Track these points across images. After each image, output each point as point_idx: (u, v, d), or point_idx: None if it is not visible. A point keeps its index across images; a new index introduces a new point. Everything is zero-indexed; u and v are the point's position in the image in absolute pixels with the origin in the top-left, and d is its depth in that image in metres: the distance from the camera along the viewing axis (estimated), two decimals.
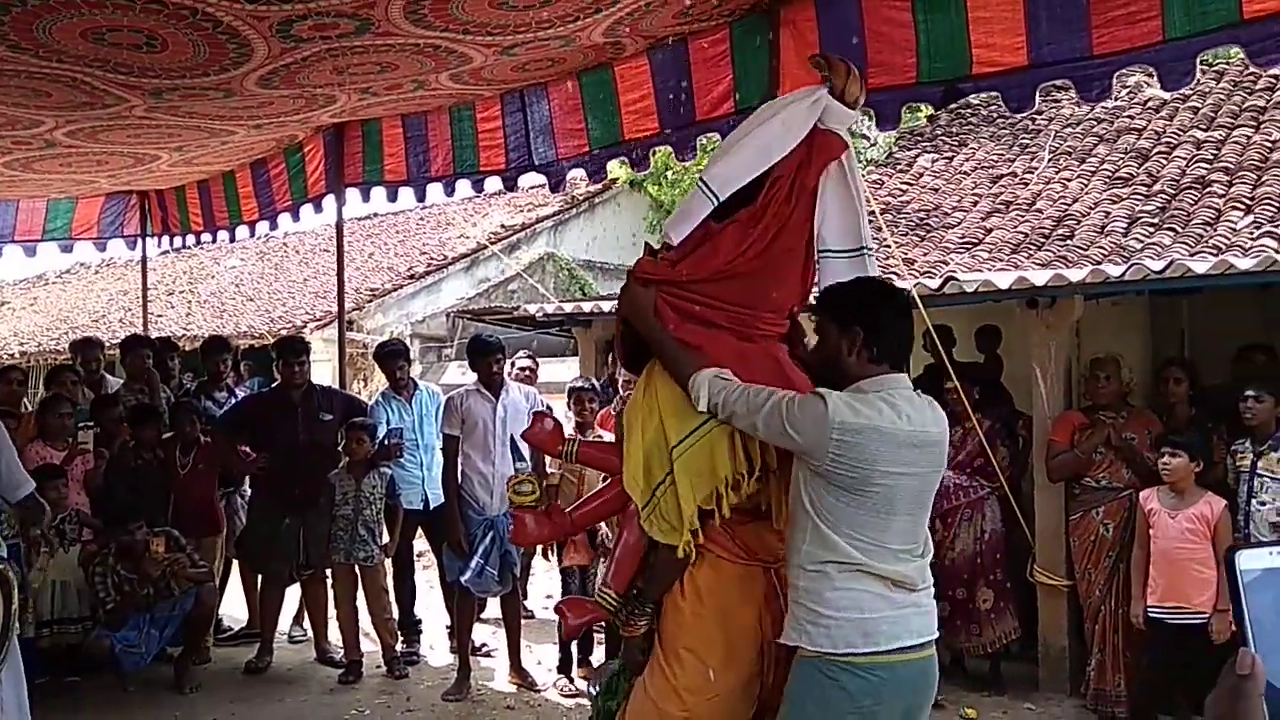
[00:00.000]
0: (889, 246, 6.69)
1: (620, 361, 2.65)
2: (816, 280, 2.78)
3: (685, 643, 2.61)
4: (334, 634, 5.77)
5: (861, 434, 2.29)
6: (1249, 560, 1.10)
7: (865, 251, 2.76)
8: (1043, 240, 6.85)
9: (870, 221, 8.47)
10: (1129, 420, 4.87)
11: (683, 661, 2.60)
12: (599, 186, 13.68)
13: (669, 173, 14.50)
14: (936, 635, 2.43)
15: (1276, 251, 5.18)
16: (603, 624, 5.81)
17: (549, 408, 5.38)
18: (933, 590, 2.43)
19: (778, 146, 2.63)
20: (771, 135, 2.64)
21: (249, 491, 6.13)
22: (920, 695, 2.43)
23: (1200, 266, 4.96)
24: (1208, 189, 6.85)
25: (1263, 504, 4.34)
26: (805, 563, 2.36)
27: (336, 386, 6.72)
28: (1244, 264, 4.92)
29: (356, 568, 5.49)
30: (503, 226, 14.47)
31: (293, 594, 6.01)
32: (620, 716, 2.71)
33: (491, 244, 13.41)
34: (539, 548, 6.08)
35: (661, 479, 2.55)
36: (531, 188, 11.85)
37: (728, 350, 2.61)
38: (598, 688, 2.89)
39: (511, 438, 5.16)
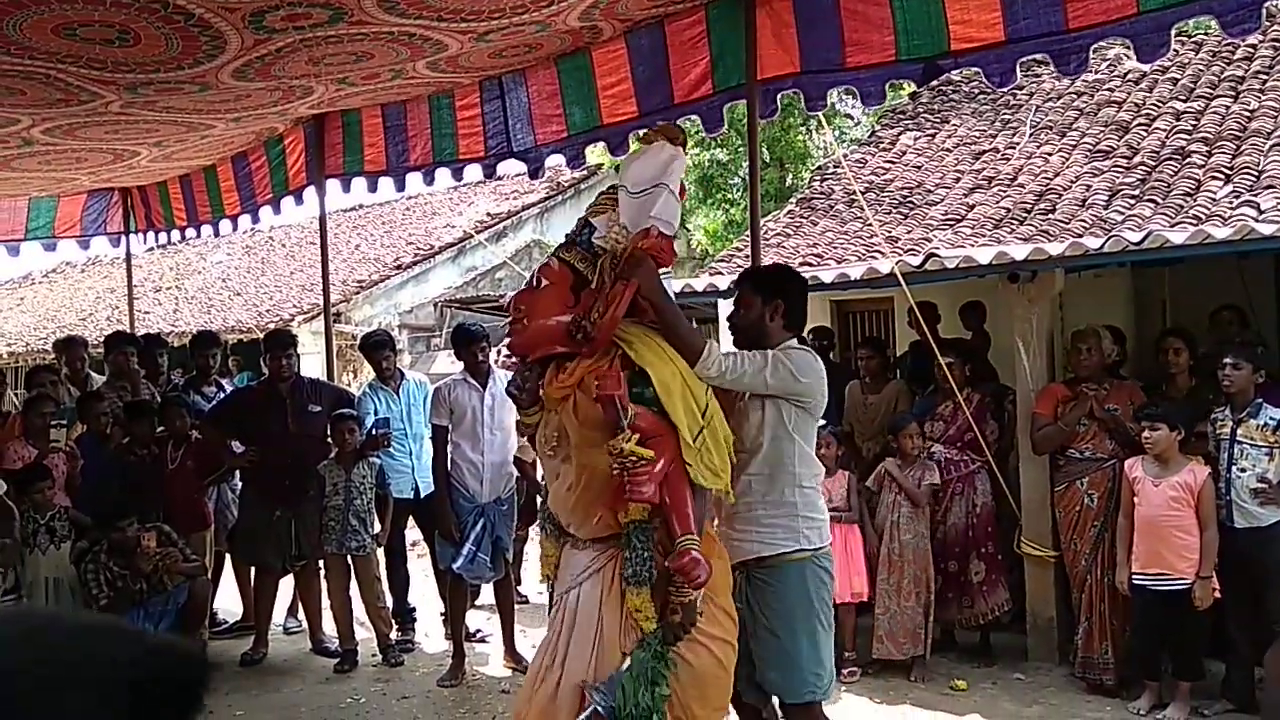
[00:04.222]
0: (872, 225, 6.71)
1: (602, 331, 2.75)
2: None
3: (723, 599, 2.81)
4: (328, 624, 5.79)
5: (822, 376, 3.07)
6: None
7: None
8: (1025, 215, 6.87)
9: (853, 201, 8.42)
10: (1111, 392, 4.90)
11: (728, 614, 2.82)
12: (584, 173, 13.65)
13: None
14: None
15: (1255, 220, 5.21)
16: None
17: None
18: None
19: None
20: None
21: (239, 485, 6.14)
22: None
23: (1178, 237, 5.00)
24: (1187, 160, 6.88)
25: (1243, 470, 4.38)
26: (801, 481, 3.03)
27: (325, 379, 6.73)
28: (1221, 233, 4.95)
29: (349, 558, 5.52)
30: (489, 215, 14.44)
31: (286, 585, 6.04)
32: (679, 699, 2.66)
33: (478, 233, 13.39)
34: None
35: (700, 428, 2.72)
36: (516, 175, 11.83)
37: None
38: (603, 694, 2.62)
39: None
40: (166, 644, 0.79)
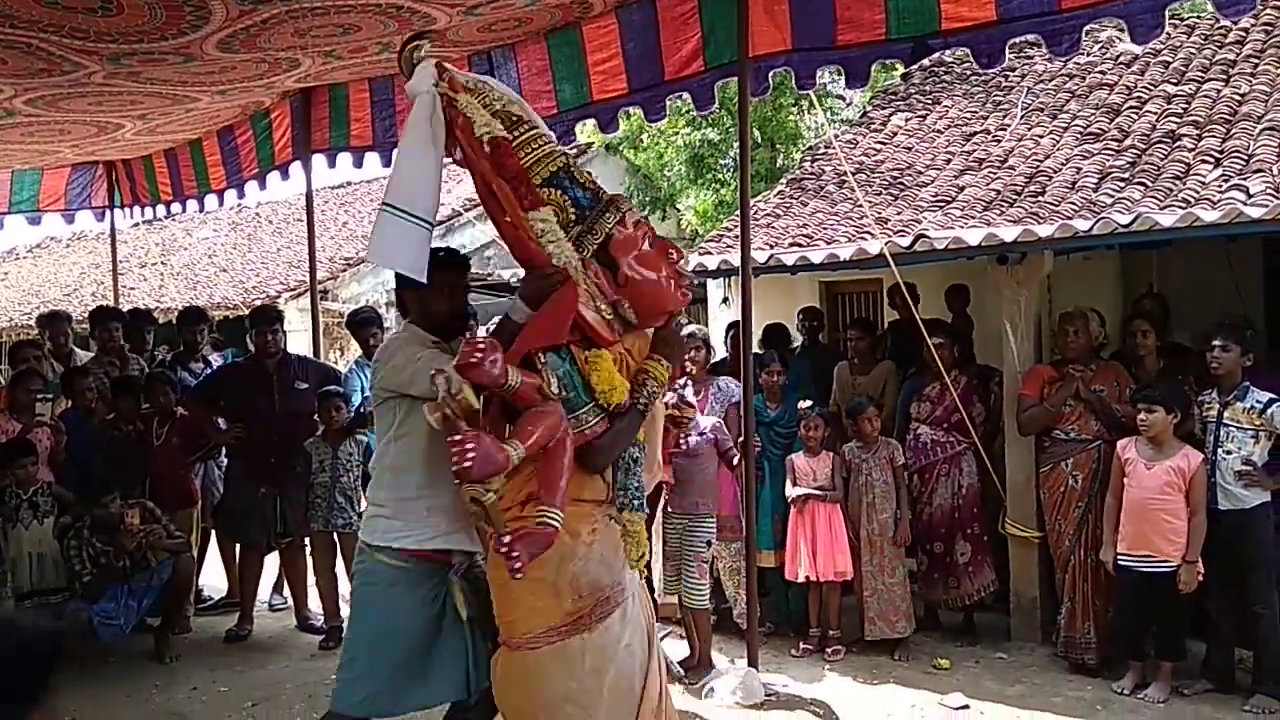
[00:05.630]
0: (862, 206, 6.70)
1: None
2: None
3: None
4: (314, 601, 5.79)
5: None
6: None
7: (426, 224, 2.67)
8: (1014, 197, 6.86)
9: (843, 182, 8.34)
10: (1098, 373, 4.92)
11: None
12: (574, 150, 13.56)
13: (644, 136, 14.39)
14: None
15: (1243, 204, 5.22)
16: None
17: None
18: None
19: (427, 145, 2.62)
20: (414, 140, 2.65)
21: (225, 462, 6.11)
22: None
23: (1167, 220, 5.00)
24: (1177, 143, 6.87)
25: (1229, 453, 4.40)
26: None
27: (311, 356, 6.69)
28: (1210, 216, 4.96)
29: (335, 535, 5.51)
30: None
31: (272, 562, 6.02)
32: None
33: (466, 211, 13.31)
34: None
35: None
36: None
37: None
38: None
39: None
40: (12, 621, 0.77)
